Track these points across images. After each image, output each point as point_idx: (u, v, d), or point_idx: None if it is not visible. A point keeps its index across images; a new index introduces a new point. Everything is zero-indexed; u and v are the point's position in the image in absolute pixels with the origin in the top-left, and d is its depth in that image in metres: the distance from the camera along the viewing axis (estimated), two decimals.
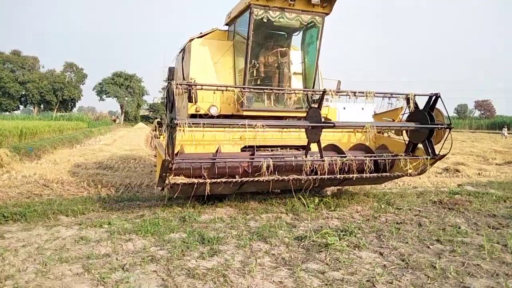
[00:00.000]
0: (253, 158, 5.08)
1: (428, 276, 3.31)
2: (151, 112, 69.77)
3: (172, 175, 4.63)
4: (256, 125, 4.52)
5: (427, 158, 5.50)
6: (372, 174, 5.35)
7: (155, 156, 5.50)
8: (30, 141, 17.01)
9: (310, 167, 5.07)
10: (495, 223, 5.14)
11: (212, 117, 5.70)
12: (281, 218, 5.18)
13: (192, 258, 3.63)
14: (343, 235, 4.35)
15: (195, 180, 4.65)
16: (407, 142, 5.91)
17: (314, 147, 5.27)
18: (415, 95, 5.62)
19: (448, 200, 6.44)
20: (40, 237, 4.25)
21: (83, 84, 61.94)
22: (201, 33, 6.78)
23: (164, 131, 4.44)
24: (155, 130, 5.37)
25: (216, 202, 5.81)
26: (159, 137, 5.31)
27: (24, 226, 4.68)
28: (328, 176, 5.07)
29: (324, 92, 5.06)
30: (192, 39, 6.56)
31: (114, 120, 59.64)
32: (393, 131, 6.41)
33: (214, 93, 5.04)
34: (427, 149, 5.57)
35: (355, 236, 4.36)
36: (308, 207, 5.03)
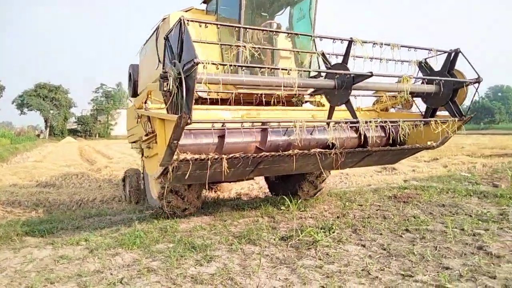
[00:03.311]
0: (266, 133, 4.40)
1: (412, 261, 3.66)
2: (80, 125, 65.85)
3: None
4: (288, 71, 3.90)
5: (455, 120, 5.02)
6: (396, 148, 4.94)
7: (147, 136, 4.20)
8: None
9: (335, 138, 4.48)
10: (447, 212, 5.75)
11: (200, 98, 5.00)
12: (259, 221, 5.31)
13: (190, 265, 3.61)
14: (324, 232, 4.60)
15: (210, 155, 3.78)
16: (423, 111, 5.45)
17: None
18: (437, 52, 5.10)
19: (401, 195, 7.04)
20: (10, 260, 3.92)
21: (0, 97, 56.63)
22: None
23: (170, 89, 3.40)
24: (145, 102, 4.28)
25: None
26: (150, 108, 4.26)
27: None
28: (361, 149, 4.63)
29: (351, 41, 4.47)
30: (167, 17, 5.82)
31: (38, 135, 55.20)
32: (400, 105, 5.99)
33: (205, 67, 3.83)
34: (452, 111, 5.11)
35: (334, 232, 4.64)
36: (290, 207, 5.20)
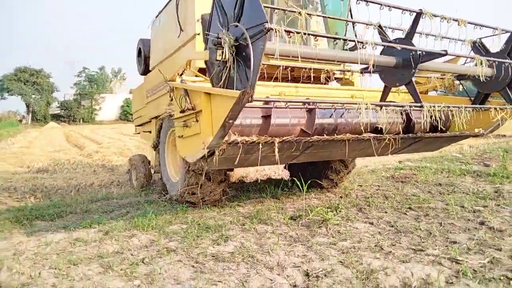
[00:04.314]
0: (314, 114, 3.93)
1: (420, 237, 3.82)
2: (63, 110, 64.53)
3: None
4: (364, 44, 3.49)
5: None
6: (447, 134, 4.66)
7: (182, 113, 3.64)
8: None
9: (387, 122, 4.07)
10: (444, 190, 5.97)
11: None
12: (265, 202, 5.41)
13: (208, 245, 3.70)
14: (331, 211, 4.74)
15: (262, 138, 3.32)
16: (473, 97, 5.03)
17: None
18: (503, 30, 4.62)
19: (398, 175, 7.26)
20: (26, 244, 3.93)
21: None
22: None
23: (225, 58, 2.91)
24: (181, 74, 3.88)
25: None
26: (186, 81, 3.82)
27: None
28: (413, 135, 4.27)
29: (421, 13, 3.93)
30: None
31: (20, 121, 53.96)
32: (443, 88, 5.52)
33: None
34: (509, 98, 4.67)
35: (341, 211, 4.78)
36: (293, 188, 5.32)
